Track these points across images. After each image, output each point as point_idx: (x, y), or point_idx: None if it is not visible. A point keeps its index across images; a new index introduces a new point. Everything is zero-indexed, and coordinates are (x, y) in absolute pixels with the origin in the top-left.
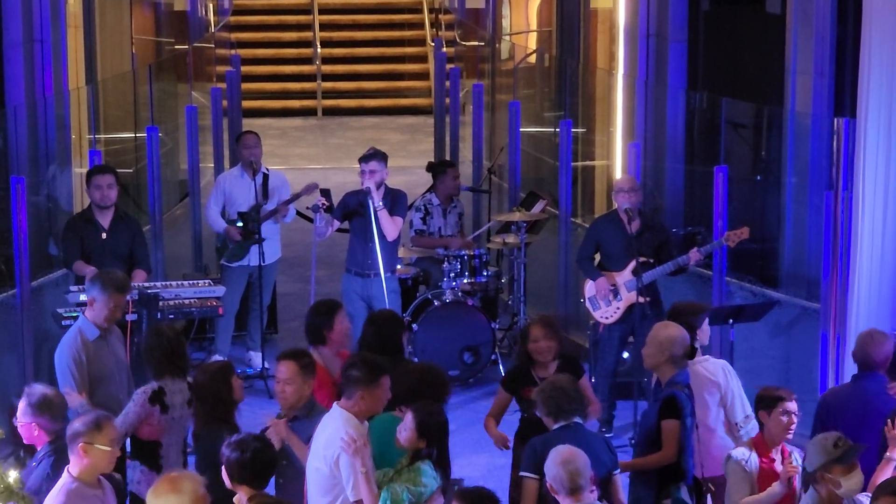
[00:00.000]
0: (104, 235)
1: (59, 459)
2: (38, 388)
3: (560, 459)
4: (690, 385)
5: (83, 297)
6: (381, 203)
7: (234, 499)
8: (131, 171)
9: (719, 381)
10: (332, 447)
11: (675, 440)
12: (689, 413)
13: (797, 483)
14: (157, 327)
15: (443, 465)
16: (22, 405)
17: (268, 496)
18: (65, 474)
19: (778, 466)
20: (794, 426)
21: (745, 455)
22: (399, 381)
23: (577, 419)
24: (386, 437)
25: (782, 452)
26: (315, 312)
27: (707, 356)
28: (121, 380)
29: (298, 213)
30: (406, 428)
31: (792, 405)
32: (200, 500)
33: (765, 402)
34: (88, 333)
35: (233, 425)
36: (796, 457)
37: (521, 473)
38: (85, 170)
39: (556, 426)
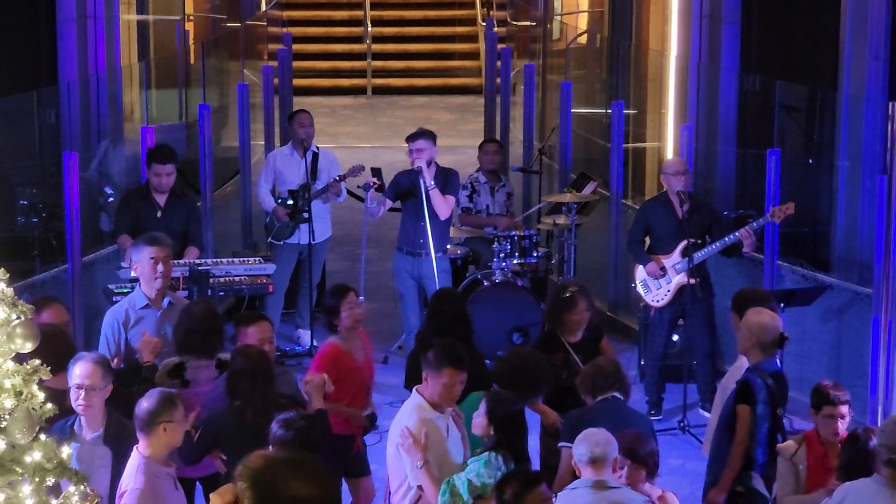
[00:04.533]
0: (159, 213)
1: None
2: (99, 354)
3: (585, 434)
4: (780, 372)
5: (134, 273)
6: (432, 182)
7: None
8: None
9: None
10: (397, 432)
11: (746, 426)
12: (763, 400)
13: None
14: (188, 306)
15: (514, 455)
16: (98, 371)
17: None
18: (135, 454)
19: (833, 461)
20: (839, 429)
21: (792, 449)
22: (500, 364)
23: (616, 394)
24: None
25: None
26: (325, 299)
27: None
28: (161, 355)
29: (349, 192)
30: (479, 414)
31: (840, 409)
32: None
33: (813, 400)
34: (136, 301)
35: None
36: None
37: (560, 444)
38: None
39: (594, 401)
